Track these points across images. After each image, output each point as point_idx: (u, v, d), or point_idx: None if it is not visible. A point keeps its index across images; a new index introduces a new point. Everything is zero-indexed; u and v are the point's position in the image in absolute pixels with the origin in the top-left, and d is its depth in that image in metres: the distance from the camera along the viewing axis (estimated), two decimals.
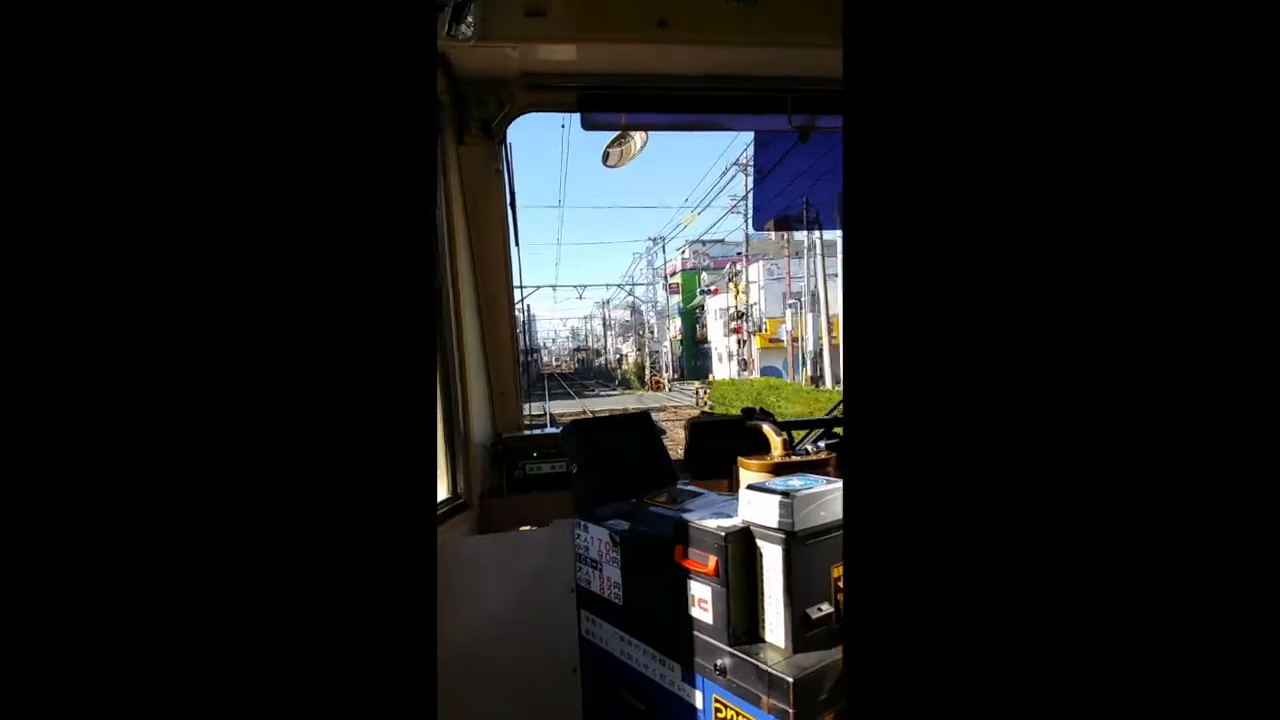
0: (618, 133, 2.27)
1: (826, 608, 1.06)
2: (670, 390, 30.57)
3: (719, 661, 1.09)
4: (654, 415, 1.84)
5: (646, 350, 38.90)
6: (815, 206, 2.71)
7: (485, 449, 1.97)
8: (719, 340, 33.03)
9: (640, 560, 1.29)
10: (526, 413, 2.21)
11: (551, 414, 13.98)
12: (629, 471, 1.51)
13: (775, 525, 1.06)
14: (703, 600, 1.12)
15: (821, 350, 20.39)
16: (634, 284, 40.84)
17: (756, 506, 1.09)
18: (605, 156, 2.42)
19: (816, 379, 20.41)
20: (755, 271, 27.30)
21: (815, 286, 21.07)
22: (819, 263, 20.60)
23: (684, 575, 1.14)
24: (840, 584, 1.09)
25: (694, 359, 36.75)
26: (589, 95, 1.94)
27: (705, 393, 22.29)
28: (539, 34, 1.69)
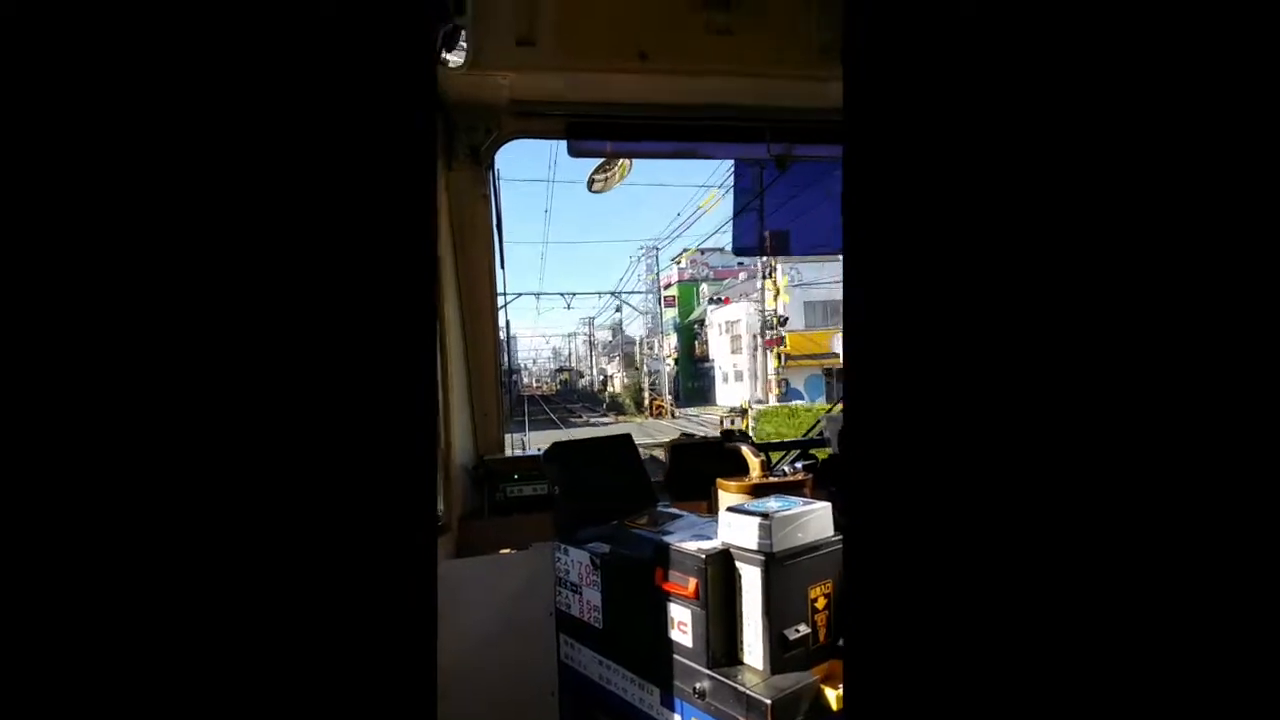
0: (602, 160, 2.32)
1: (804, 629, 1.08)
2: (675, 417, 25.83)
3: (698, 685, 1.09)
4: None
5: (644, 369, 33.86)
6: (796, 232, 2.76)
7: (467, 471, 1.97)
8: (723, 358, 29.69)
9: (620, 583, 1.29)
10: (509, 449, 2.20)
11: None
12: (610, 494, 1.51)
13: (755, 547, 1.07)
14: (682, 623, 1.12)
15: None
16: (628, 292, 36.52)
17: (736, 528, 1.11)
18: (590, 183, 2.47)
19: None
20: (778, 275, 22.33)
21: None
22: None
23: (664, 598, 1.15)
24: (817, 605, 1.10)
25: (691, 380, 33.68)
26: (576, 123, 1.99)
27: (736, 423, 15.99)
28: (528, 63, 1.72)
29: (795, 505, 1.13)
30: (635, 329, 39.63)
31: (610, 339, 44.57)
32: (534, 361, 63.20)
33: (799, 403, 20.66)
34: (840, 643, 1.10)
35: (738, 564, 1.10)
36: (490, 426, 2.08)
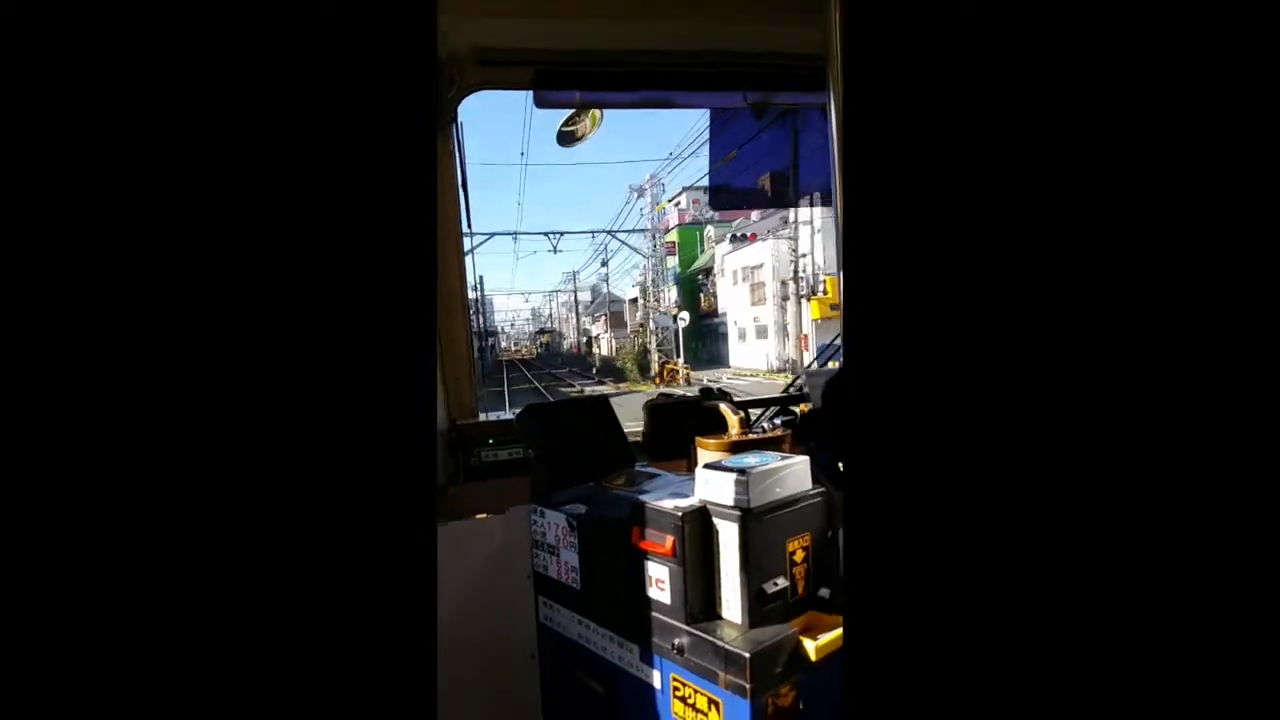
0: (572, 111, 2.22)
1: (782, 582, 1.07)
2: (691, 384, 18.99)
3: (677, 641, 1.09)
4: None
5: (650, 326, 27.11)
6: (778, 183, 2.69)
7: (441, 436, 1.93)
8: (740, 312, 24.38)
9: (597, 544, 1.28)
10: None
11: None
12: (587, 455, 1.49)
13: (732, 503, 1.06)
14: (660, 580, 1.12)
15: None
16: (626, 231, 29.01)
17: (713, 485, 1.09)
18: (560, 137, 2.37)
19: None
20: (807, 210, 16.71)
21: None
22: None
23: (641, 557, 1.14)
24: (795, 558, 1.10)
25: (695, 340, 27.70)
26: (543, 72, 1.89)
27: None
28: (493, 8, 1.63)
29: (773, 460, 1.11)
30: (623, 285, 35.00)
31: (590, 300, 43.40)
32: (511, 325, 61.97)
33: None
34: (821, 593, 1.11)
35: (715, 520, 1.09)
36: (462, 390, 2.03)
